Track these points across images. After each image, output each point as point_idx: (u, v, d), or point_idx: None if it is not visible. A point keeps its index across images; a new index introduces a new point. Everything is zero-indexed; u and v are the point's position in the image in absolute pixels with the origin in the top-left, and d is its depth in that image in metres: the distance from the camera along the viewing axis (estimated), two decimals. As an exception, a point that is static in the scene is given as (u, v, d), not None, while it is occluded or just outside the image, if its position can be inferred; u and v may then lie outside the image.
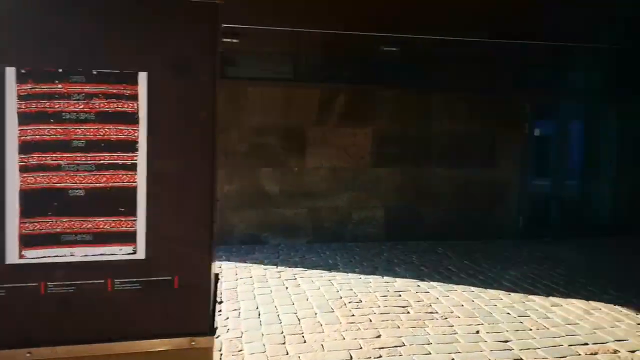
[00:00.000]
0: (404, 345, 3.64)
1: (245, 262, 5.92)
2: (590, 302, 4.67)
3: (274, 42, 6.40)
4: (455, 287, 5.07)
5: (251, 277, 5.32)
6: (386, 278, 5.36)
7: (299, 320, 4.09)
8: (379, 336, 3.79)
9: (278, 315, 4.18)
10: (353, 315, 4.21)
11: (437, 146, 7.44)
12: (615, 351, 3.58)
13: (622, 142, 7.95)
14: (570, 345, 3.67)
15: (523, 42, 6.75)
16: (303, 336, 3.77)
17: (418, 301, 4.60)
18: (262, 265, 5.79)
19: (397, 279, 5.31)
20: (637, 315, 4.31)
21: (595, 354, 3.54)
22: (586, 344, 3.71)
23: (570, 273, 5.68)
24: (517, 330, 3.94)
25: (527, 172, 7.66)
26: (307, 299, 4.61)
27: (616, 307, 4.53)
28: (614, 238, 7.76)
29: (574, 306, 4.54)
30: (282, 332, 3.84)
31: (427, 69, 7.41)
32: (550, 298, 4.76)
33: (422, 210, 7.46)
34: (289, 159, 7.09)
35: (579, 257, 6.50)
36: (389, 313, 4.28)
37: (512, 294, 4.89)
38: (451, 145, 7.45)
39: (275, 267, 5.76)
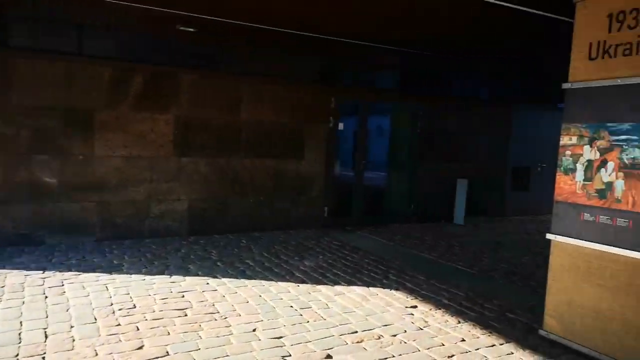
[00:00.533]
0: (168, 354, 3.27)
1: (4, 269, 4.92)
2: (370, 288, 4.90)
3: (57, 8, 5.42)
4: (246, 282, 4.88)
5: (3, 286, 4.40)
6: (174, 277, 4.93)
7: (46, 337, 3.43)
8: (141, 347, 3.35)
9: (20, 334, 3.46)
10: (119, 324, 3.70)
11: (246, 136, 7.23)
12: (380, 337, 3.73)
13: (418, 139, 8.74)
14: (341, 335, 3.72)
15: (331, 38, 6.90)
16: (43, 357, 3.14)
17: (201, 301, 4.28)
18: (25, 272, 4.87)
19: (186, 278, 4.92)
20: (407, 299, 4.63)
21: (361, 341, 3.63)
22: (356, 332, 3.80)
23: (360, 261, 5.97)
24: (294, 324, 3.88)
25: (333, 164, 7.93)
26: (68, 310, 3.94)
27: (391, 291, 4.82)
28: (407, 225, 8.53)
29: (355, 293, 4.71)
30: (17, 355, 3.15)
31: (238, 56, 7.14)
32: (336, 287, 4.88)
33: (229, 201, 7.19)
34: (72, 146, 6.15)
35: (373, 245, 6.92)
36: (162, 318, 3.86)
37: (301, 285, 4.89)
38: (259, 135, 7.31)
39: (42, 272, 4.89)
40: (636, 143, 3.21)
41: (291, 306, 4.28)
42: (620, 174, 3.30)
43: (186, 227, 6.90)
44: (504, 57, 7.24)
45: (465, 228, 8.61)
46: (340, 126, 7.92)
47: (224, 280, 4.93)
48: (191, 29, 5.91)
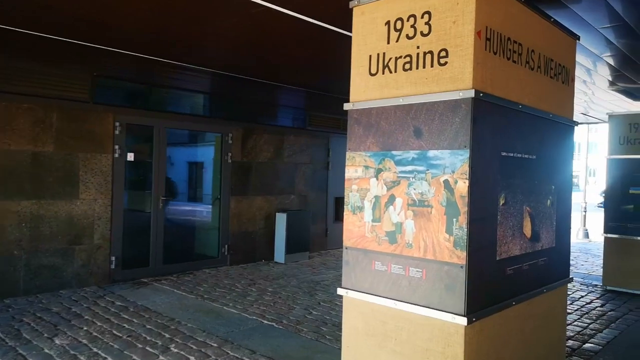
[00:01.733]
0: None
1: None
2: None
3: None
4: None
5: None
6: None
7: None
8: None
9: None
10: None
11: (-9, 172, 5.46)
12: None
13: (230, 170, 7.79)
14: None
15: (116, 50, 5.61)
16: None
17: None
18: None
19: None
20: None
21: None
22: None
23: (140, 329, 4.67)
24: None
25: (121, 203, 6.50)
26: None
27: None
28: (220, 270, 7.45)
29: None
30: None
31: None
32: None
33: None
34: None
35: (168, 302, 5.65)
36: None
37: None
38: (4, 170, 5.58)
39: None
40: (423, 175, 2.64)
41: None
42: (410, 213, 2.70)
43: None
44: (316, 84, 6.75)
45: (285, 267, 7.84)
46: (130, 156, 6.57)
47: None
48: None
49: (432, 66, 2.62)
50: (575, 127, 3.63)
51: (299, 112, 9.07)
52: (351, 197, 2.99)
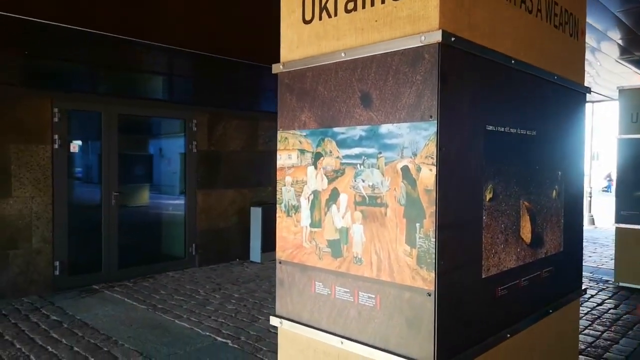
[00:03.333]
0: None
1: None
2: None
3: None
4: None
5: None
6: None
7: None
8: None
9: None
10: None
11: None
12: None
13: (197, 161, 6.99)
14: None
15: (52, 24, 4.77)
16: None
17: None
18: None
19: None
20: None
21: None
22: None
23: (61, 354, 3.92)
24: None
25: (64, 201, 5.71)
26: None
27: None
28: (187, 272, 6.69)
29: None
30: None
31: None
32: None
33: None
34: None
35: (112, 314, 4.89)
36: None
37: None
38: None
39: None
40: (374, 160, 1.84)
41: None
42: (358, 215, 1.90)
43: None
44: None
45: (260, 267, 7.08)
46: (74, 147, 5.77)
47: None
48: None
49: (382, 2, 1.80)
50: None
51: (273, 94, 8.23)
52: (284, 192, 2.19)
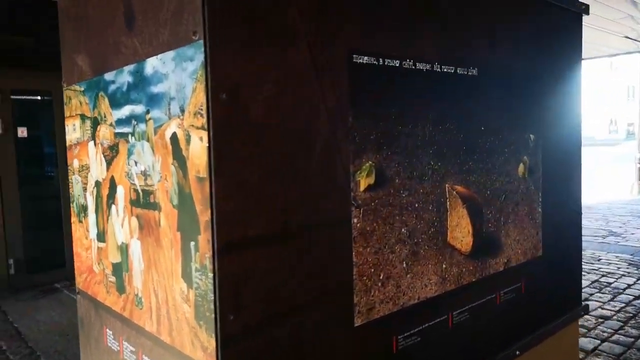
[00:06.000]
0: None
1: None
2: None
3: None
4: None
5: None
6: None
7: None
8: None
9: None
10: None
11: None
12: None
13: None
14: None
15: None
16: None
17: None
18: None
19: None
20: None
21: None
22: None
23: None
24: None
25: (13, 191, 5.16)
26: None
27: None
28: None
29: None
30: None
31: None
32: None
33: None
34: None
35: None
36: None
37: None
38: None
39: None
40: (144, 126, 1.02)
41: None
42: (134, 223, 1.10)
43: None
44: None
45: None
46: (22, 132, 5.18)
47: None
48: None
49: None
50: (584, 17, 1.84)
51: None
52: (75, 185, 1.41)
